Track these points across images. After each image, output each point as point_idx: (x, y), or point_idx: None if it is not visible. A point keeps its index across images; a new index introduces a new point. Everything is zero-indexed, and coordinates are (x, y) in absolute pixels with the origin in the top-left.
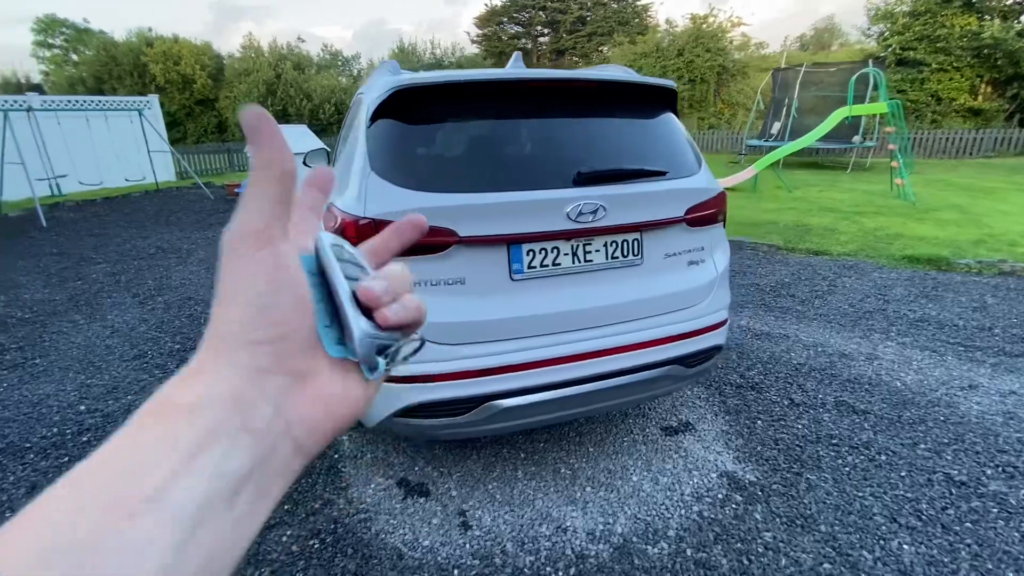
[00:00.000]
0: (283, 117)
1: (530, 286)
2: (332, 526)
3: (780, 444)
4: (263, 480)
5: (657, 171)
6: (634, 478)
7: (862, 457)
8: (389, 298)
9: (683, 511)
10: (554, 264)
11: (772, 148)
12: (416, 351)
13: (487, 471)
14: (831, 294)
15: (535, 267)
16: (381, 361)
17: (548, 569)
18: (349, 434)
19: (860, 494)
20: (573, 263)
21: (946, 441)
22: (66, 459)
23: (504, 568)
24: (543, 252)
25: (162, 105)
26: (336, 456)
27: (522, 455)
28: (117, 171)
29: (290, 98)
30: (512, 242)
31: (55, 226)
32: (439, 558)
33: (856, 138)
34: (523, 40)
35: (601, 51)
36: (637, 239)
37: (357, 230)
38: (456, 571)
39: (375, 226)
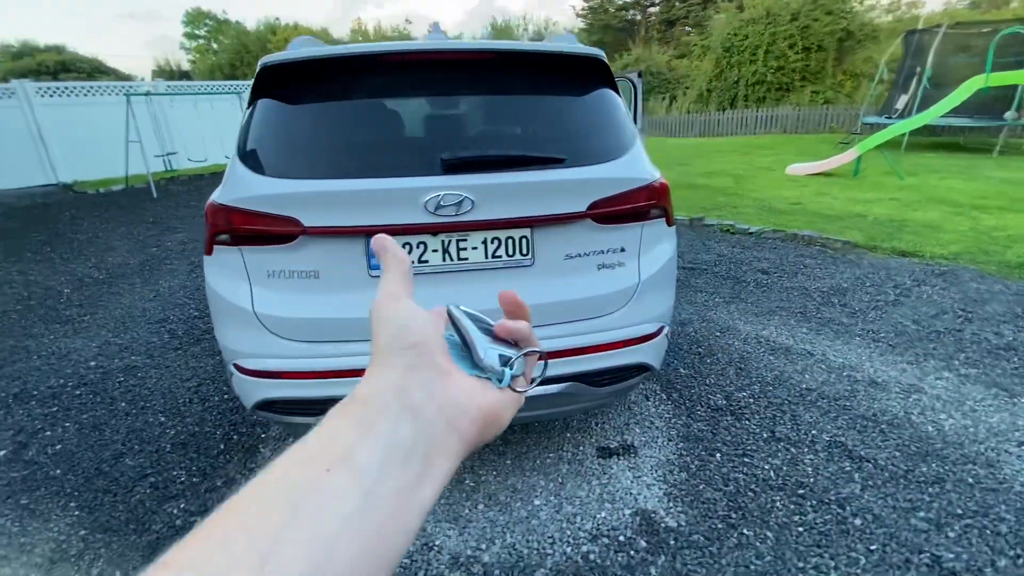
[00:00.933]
0: None
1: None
2: (216, 506)
3: (730, 485)
4: (427, 449)
5: (549, 158)
6: (536, 501)
7: (828, 517)
8: (517, 324)
9: (569, 549)
10: (420, 261)
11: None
12: (541, 370)
13: None
14: (896, 306)
15: None
16: (507, 371)
17: None
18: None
19: (801, 566)
20: (444, 261)
21: (959, 512)
22: (56, 409)
23: None
24: (407, 247)
25: None
26: (263, 437)
27: None
28: (220, 149)
29: None
30: (370, 234)
31: (163, 198)
32: None
33: (1009, 114)
34: (631, 11)
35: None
36: (526, 237)
37: (212, 217)
38: None
39: (227, 213)
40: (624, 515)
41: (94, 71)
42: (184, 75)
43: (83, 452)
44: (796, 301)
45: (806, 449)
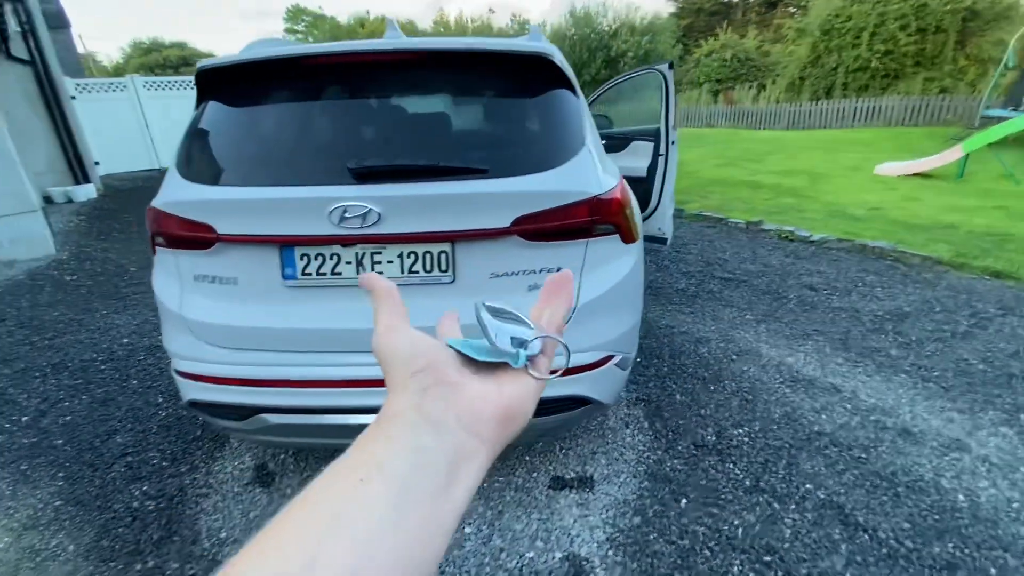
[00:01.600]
0: None
1: (306, 295)
2: (170, 493)
3: (686, 540)
4: (451, 456)
5: (469, 168)
6: (467, 529)
7: None
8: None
9: None
10: (333, 273)
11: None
12: (565, 359)
13: None
14: (966, 339)
15: (310, 274)
16: (521, 352)
17: None
18: None
19: None
20: (357, 274)
21: None
22: (80, 381)
23: None
24: (320, 258)
25: None
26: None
27: None
28: None
29: None
30: (284, 244)
31: None
32: (221, 556)
33: None
34: None
35: None
36: (446, 252)
37: (148, 218)
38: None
39: (156, 215)
40: (553, 558)
41: None
42: None
43: (86, 425)
44: (840, 325)
45: (792, 506)
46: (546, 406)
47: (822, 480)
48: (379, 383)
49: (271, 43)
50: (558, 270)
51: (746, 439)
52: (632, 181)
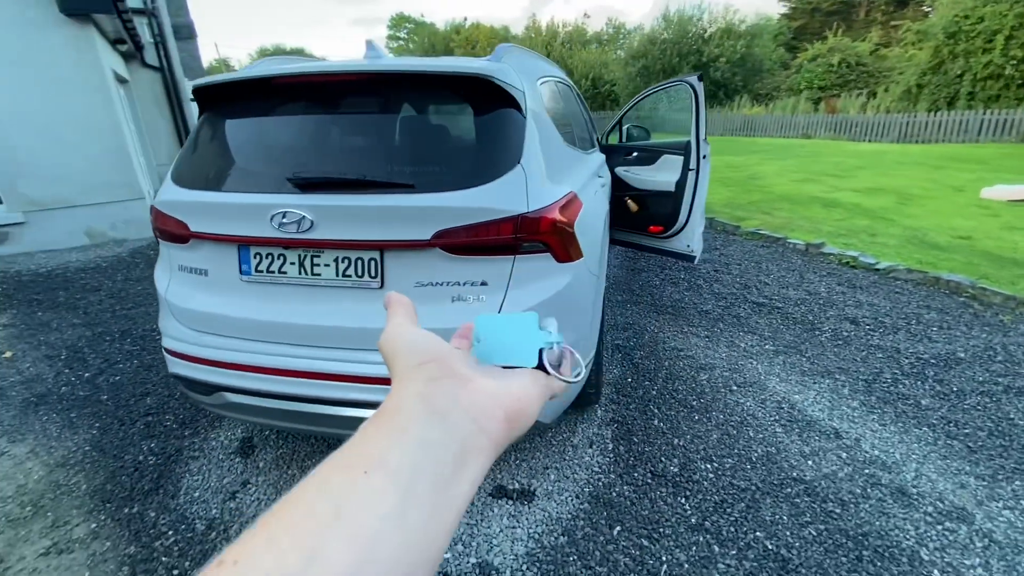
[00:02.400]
0: None
1: (258, 290)
2: (169, 451)
3: (603, 567)
4: (457, 449)
5: (395, 183)
6: None
7: None
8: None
9: None
10: (280, 272)
11: None
12: (580, 367)
13: (293, 458)
14: (1020, 396)
15: (262, 271)
16: (541, 349)
17: None
18: None
19: None
20: (300, 274)
21: None
22: (137, 348)
23: None
24: (269, 258)
25: None
26: None
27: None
28: None
29: None
30: (242, 243)
31: None
32: (191, 512)
33: None
34: None
35: None
36: (376, 259)
37: (152, 214)
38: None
39: (153, 212)
40: (467, 563)
41: None
42: None
43: (128, 386)
44: (871, 365)
45: (732, 552)
46: None
47: (777, 530)
48: (322, 376)
49: (273, 61)
50: (483, 284)
51: (711, 475)
52: (660, 196)
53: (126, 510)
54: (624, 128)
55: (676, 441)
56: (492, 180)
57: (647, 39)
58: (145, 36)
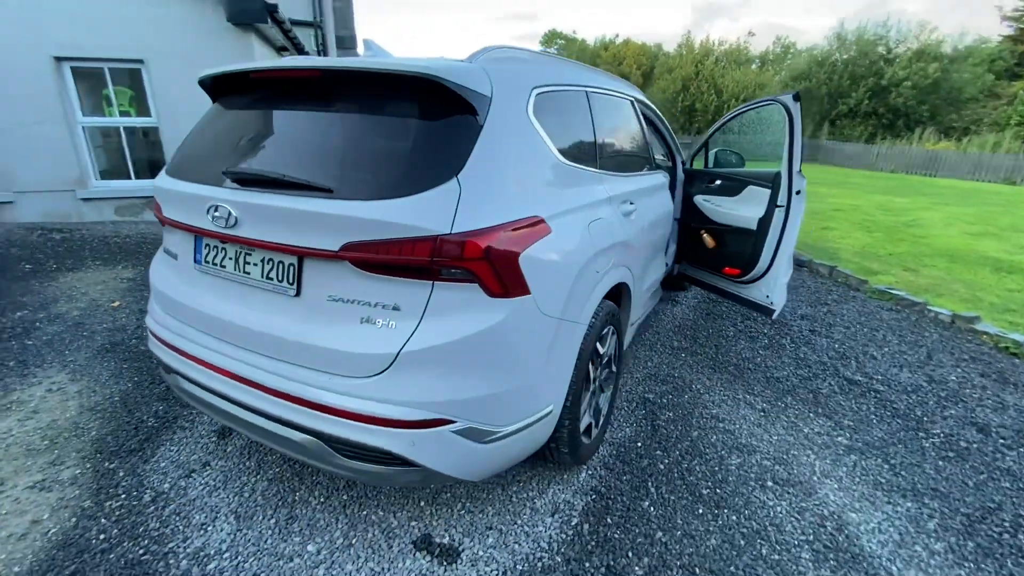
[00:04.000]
0: (689, 112)
1: (208, 282)
2: (167, 417)
3: None
4: None
5: (312, 185)
6: (308, 547)
7: None
8: None
9: None
10: (220, 265)
11: None
12: None
13: (237, 484)
14: None
15: (209, 262)
16: None
17: None
18: None
19: None
20: (235, 271)
21: None
22: None
23: None
24: (215, 250)
25: None
26: None
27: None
28: None
29: (700, 93)
30: (197, 233)
31: None
32: (152, 481)
33: None
34: None
35: None
36: (294, 265)
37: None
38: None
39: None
40: None
41: None
42: None
43: None
44: (988, 496)
45: None
46: (361, 450)
47: None
48: (244, 380)
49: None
50: (395, 308)
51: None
52: (739, 233)
53: (106, 464)
54: (712, 152)
55: (659, 535)
56: (416, 193)
57: (814, 59)
58: (310, 45)
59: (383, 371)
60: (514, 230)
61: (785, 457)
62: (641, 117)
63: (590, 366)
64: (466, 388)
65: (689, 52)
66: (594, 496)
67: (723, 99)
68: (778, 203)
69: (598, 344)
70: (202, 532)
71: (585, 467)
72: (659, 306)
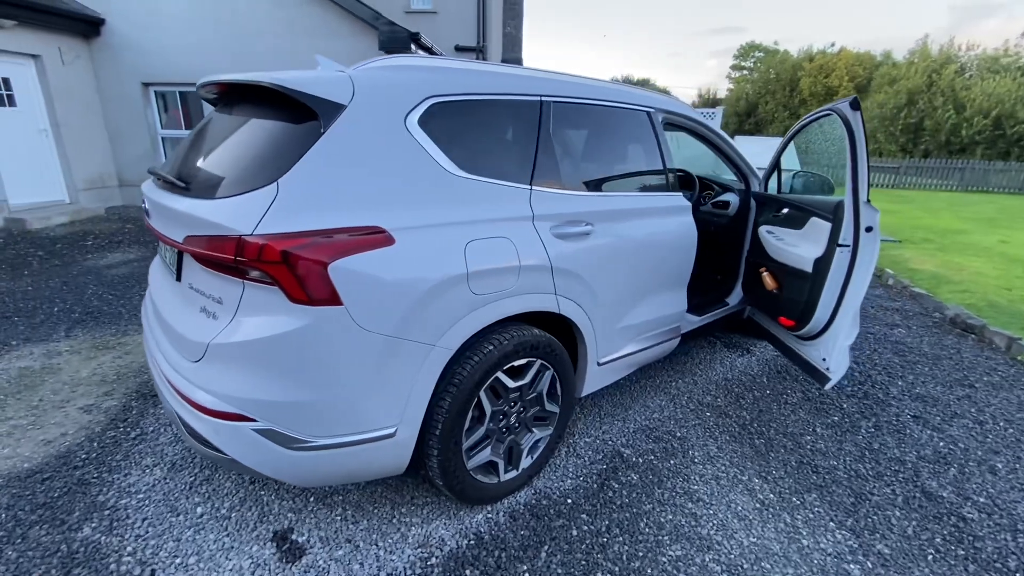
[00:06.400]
0: (915, 131)
1: (164, 272)
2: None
3: None
4: None
5: (175, 184)
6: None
7: None
8: None
9: None
10: (163, 255)
11: None
12: None
13: None
14: None
15: (159, 252)
16: None
17: None
18: None
19: None
20: (163, 258)
21: None
22: None
23: None
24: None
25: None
26: None
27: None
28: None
29: (932, 109)
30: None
31: None
32: (130, 449)
33: None
34: None
35: None
36: (176, 255)
37: None
38: None
39: None
40: None
41: None
42: (716, 103)
43: None
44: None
45: None
46: (193, 433)
47: None
48: (155, 360)
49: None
50: (219, 302)
51: None
52: (794, 275)
53: (133, 403)
54: (790, 175)
55: None
56: (240, 193)
57: None
58: None
59: (200, 359)
60: (333, 238)
61: (748, 570)
62: (658, 131)
63: (484, 398)
64: (267, 390)
65: (923, 59)
66: (472, 542)
67: (964, 115)
68: (840, 241)
69: (504, 376)
70: (141, 472)
71: (487, 508)
72: (721, 354)
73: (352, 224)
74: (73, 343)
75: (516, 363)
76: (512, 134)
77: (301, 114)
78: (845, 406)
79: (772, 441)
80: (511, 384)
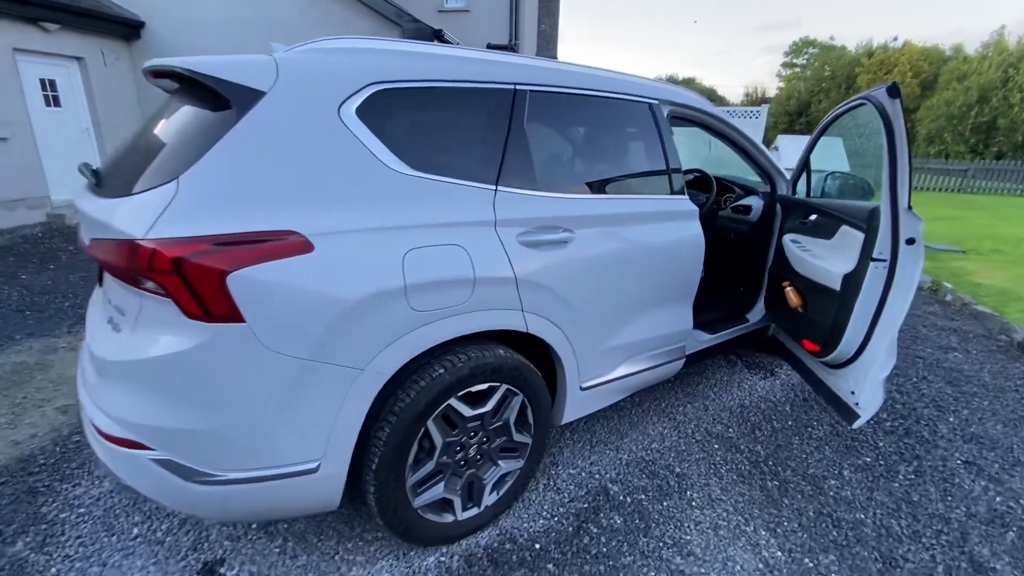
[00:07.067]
0: (986, 131)
1: None
2: None
3: None
4: None
5: (95, 180)
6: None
7: None
8: None
9: None
10: None
11: None
12: None
13: None
14: None
15: None
16: None
17: None
18: None
19: None
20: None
21: None
22: None
23: None
24: None
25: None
26: None
27: None
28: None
29: (1007, 107)
30: None
31: None
32: None
33: None
34: None
35: None
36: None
37: None
38: None
39: None
40: None
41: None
42: (764, 101)
43: None
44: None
45: None
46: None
47: None
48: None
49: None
50: (122, 313)
51: None
52: (819, 293)
53: None
54: (822, 176)
55: None
56: (139, 192)
57: None
58: None
59: (100, 376)
60: (236, 244)
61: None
62: (661, 126)
63: (434, 428)
64: (162, 416)
65: (998, 53)
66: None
67: None
68: (875, 255)
69: (459, 403)
70: (90, 483)
71: (441, 550)
72: (741, 375)
73: (262, 228)
74: (72, 339)
75: (475, 388)
76: (476, 127)
77: (219, 103)
78: (881, 445)
79: (787, 484)
80: (468, 412)
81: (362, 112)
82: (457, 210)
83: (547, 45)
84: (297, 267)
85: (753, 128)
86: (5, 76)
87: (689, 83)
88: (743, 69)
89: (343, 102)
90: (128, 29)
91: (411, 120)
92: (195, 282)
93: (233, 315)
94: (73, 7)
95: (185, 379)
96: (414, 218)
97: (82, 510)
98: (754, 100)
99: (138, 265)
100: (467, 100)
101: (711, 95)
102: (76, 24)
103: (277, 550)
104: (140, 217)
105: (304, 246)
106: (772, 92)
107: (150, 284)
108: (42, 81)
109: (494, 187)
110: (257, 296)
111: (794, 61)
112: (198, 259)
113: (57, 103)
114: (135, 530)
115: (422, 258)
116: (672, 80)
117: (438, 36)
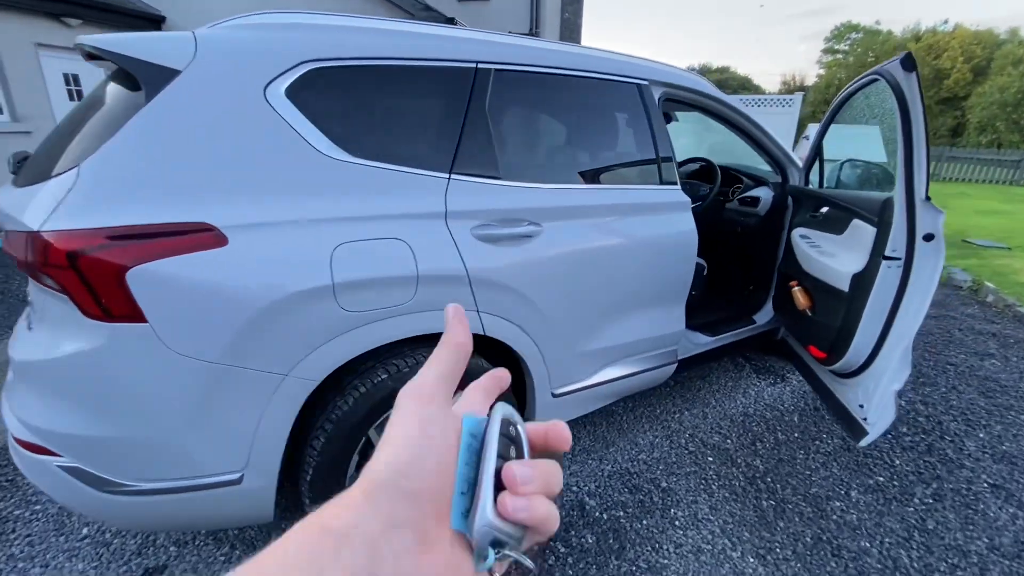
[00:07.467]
0: None
1: None
2: None
3: None
4: None
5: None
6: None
7: None
8: (526, 489)
9: None
10: None
11: None
12: (528, 569)
13: None
14: None
15: None
16: (492, 553)
17: None
18: None
19: None
20: None
21: None
22: None
23: None
24: None
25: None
26: None
27: None
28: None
29: None
30: None
31: None
32: None
33: None
34: None
35: None
36: None
37: None
38: None
39: None
40: None
41: (739, 87)
42: (800, 89)
43: None
44: None
45: None
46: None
47: None
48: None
49: None
50: (34, 311)
51: None
52: (827, 293)
53: None
54: (834, 165)
55: None
56: (43, 181)
57: None
58: None
59: (14, 376)
60: (137, 237)
61: None
62: (650, 109)
63: (378, 438)
64: (65, 421)
65: None
66: None
67: None
68: (887, 252)
69: None
70: None
71: None
72: (748, 380)
73: (168, 220)
74: None
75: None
76: (428, 109)
77: (122, 82)
78: (897, 463)
79: (785, 504)
80: None
81: (293, 93)
82: (400, 201)
83: (570, 34)
84: (207, 263)
85: (787, 118)
86: (29, 71)
87: (722, 72)
88: (784, 57)
89: (270, 81)
90: (149, 23)
91: (351, 102)
92: (92, 278)
93: (134, 314)
94: (95, 2)
95: (83, 383)
96: (348, 209)
97: (38, 508)
98: (791, 88)
99: (35, 259)
100: (418, 80)
101: (745, 84)
102: (98, 19)
103: (223, 558)
104: (39, 208)
105: (216, 239)
106: (811, 80)
107: (48, 280)
108: (65, 76)
109: (447, 176)
110: (161, 294)
111: (835, 47)
112: (95, 253)
113: (80, 97)
114: (84, 530)
115: (354, 254)
116: (705, 70)
117: (450, 24)
